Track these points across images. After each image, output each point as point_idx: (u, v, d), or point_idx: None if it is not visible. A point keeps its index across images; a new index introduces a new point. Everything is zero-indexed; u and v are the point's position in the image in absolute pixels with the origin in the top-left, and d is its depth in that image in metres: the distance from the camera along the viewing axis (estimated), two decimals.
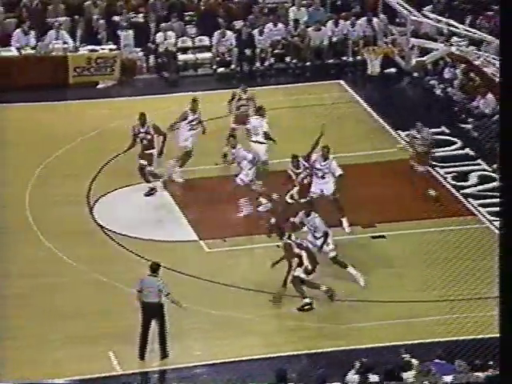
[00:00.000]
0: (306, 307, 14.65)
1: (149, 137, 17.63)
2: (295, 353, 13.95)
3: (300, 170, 16.46)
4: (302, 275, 14.57)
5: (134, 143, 17.69)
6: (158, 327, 13.57)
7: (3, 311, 14.67)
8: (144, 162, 17.62)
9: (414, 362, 12.82)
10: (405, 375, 12.67)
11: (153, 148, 17.65)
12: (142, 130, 17.67)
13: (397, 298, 14.99)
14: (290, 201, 16.39)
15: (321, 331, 14.41)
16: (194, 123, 18.21)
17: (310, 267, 14.57)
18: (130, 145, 17.67)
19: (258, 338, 14.27)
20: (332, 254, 15.25)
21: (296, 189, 16.42)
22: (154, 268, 13.68)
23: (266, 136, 17.91)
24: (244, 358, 13.81)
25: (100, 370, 13.60)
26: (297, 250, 14.62)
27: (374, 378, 12.58)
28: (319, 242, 15.14)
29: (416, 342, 13.93)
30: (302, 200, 16.18)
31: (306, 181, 16.42)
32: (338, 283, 15.19)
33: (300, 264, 14.57)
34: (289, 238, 14.73)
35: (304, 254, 14.60)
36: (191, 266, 15.76)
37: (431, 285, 15.11)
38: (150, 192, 17.66)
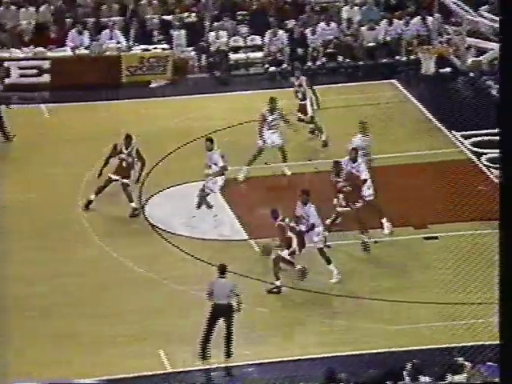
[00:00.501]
0: (275, 290, 14.95)
1: (130, 160, 17.16)
2: (346, 353, 13.94)
3: (340, 179, 16.21)
4: (287, 257, 14.85)
5: (108, 162, 17.18)
6: (226, 328, 13.67)
7: (57, 309, 14.89)
8: (117, 178, 17.10)
9: (467, 364, 12.75)
10: (456, 378, 12.60)
11: (129, 176, 17.12)
12: (124, 151, 17.21)
13: (450, 299, 14.91)
14: (339, 209, 16.24)
15: (372, 332, 14.38)
16: (273, 123, 18.14)
17: (297, 251, 14.94)
18: (105, 162, 17.18)
19: (309, 338, 14.29)
20: (319, 246, 15.37)
21: (340, 196, 16.23)
22: (223, 270, 13.81)
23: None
24: (293, 358, 13.84)
25: (150, 368, 13.73)
26: (289, 234, 14.95)
27: (425, 379, 12.53)
28: (315, 234, 15.33)
29: (469, 344, 13.84)
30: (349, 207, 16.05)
31: (346, 189, 16.18)
32: (394, 283, 15.17)
33: (288, 246, 14.92)
34: (282, 220, 15.07)
35: (294, 237, 14.94)
36: (241, 264, 15.83)
37: (487, 286, 14.98)
38: (134, 213, 17.12)
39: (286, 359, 13.86)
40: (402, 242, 16.52)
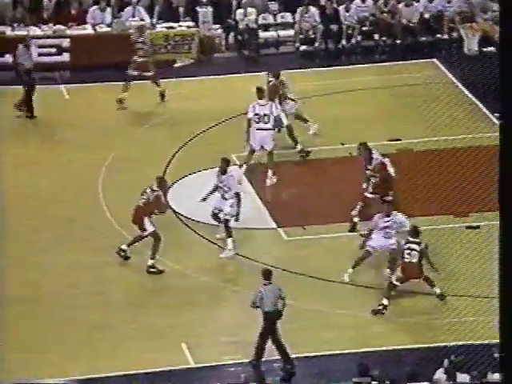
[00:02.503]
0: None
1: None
2: (380, 348, 13.89)
3: (370, 166, 16.06)
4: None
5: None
6: (272, 335, 13.58)
7: (75, 300, 14.96)
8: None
9: None
10: (498, 376, 12.48)
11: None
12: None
13: (488, 292, 14.78)
14: (369, 196, 16.15)
15: (408, 326, 14.30)
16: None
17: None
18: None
19: (343, 332, 14.24)
20: (226, 217, 15.49)
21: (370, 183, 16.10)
22: (269, 275, 13.74)
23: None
24: (327, 353, 13.80)
25: (173, 363, 13.77)
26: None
27: (463, 377, 12.44)
28: (228, 204, 15.43)
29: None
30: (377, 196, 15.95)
31: (373, 179, 16.03)
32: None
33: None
34: None
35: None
36: (269, 254, 15.80)
37: None
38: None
39: (315, 354, 13.82)
40: (440, 230, 16.39)
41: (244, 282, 14.97)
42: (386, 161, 16.34)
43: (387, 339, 14.11)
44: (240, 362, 13.76)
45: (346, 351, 13.93)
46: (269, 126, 17.52)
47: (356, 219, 16.06)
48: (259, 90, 17.79)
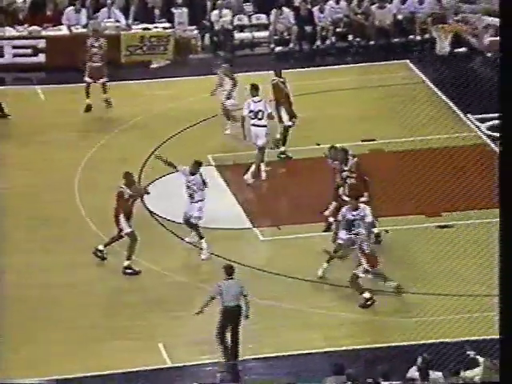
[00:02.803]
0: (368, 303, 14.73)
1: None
2: (355, 347, 13.94)
3: (346, 168, 16.02)
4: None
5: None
6: (231, 330, 13.60)
7: (49, 301, 14.89)
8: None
9: (480, 359, 12.71)
10: (470, 373, 12.57)
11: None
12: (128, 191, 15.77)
13: (461, 291, 14.87)
14: (345, 198, 16.15)
15: (381, 325, 14.37)
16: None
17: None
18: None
19: (316, 331, 14.29)
20: (195, 221, 15.63)
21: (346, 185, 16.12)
22: (230, 271, 13.74)
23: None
24: (299, 353, 13.83)
25: (150, 362, 13.76)
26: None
27: (436, 374, 12.51)
28: (196, 208, 15.57)
29: (482, 337, 13.81)
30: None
31: (349, 180, 16.00)
32: (404, 273, 15.16)
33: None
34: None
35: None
36: (245, 254, 15.82)
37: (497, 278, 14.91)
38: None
39: (291, 353, 13.85)
40: (413, 230, 16.47)
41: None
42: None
43: (361, 338, 14.16)
44: (217, 361, 13.77)
45: (320, 350, 13.97)
46: (263, 122, 17.62)
47: (331, 219, 16.11)
48: (254, 87, 17.81)
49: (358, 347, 13.96)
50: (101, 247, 15.65)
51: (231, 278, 13.68)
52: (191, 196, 15.79)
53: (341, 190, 16.12)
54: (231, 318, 13.58)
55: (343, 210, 15.19)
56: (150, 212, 16.95)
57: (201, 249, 15.74)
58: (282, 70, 18.95)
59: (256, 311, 14.31)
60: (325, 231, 16.12)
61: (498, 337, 13.44)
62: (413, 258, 15.83)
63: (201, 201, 15.74)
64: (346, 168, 16.13)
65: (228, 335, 13.61)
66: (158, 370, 13.71)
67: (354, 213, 15.10)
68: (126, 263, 15.33)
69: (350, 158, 16.17)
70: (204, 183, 15.97)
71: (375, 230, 15.97)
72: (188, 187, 15.81)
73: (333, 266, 15.19)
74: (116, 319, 14.57)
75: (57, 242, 16.21)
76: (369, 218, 15.10)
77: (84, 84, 20.06)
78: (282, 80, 18.57)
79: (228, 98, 18.88)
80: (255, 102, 17.73)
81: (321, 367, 13.37)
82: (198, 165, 15.89)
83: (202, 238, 15.64)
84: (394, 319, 14.45)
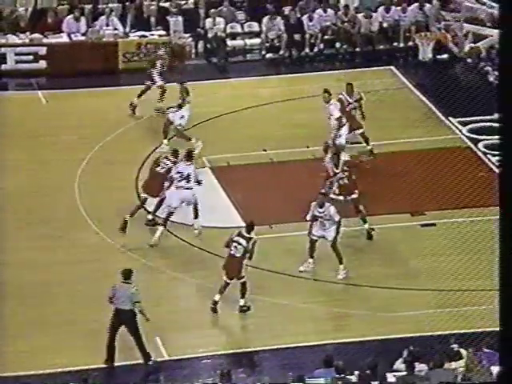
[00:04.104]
0: None
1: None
2: (344, 340, 13.92)
3: (338, 170, 16.02)
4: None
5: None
6: (131, 335, 13.41)
7: (47, 296, 14.82)
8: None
9: (463, 351, 12.72)
10: (454, 365, 12.57)
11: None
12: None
13: (445, 286, 14.88)
14: (333, 196, 16.11)
15: (369, 319, 14.36)
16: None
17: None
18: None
19: (305, 325, 14.27)
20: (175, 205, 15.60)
21: (335, 185, 16.07)
22: (127, 275, 13.54)
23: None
24: (289, 346, 13.81)
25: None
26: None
27: (421, 367, 12.51)
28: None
29: (465, 331, 13.82)
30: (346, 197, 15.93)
31: (342, 182, 15.97)
32: (390, 270, 15.15)
33: None
34: None
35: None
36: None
37: (480, 273, 14.95)
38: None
39: (282, 347, 13.82)
40: (398, 228, 16.47)
41: (214, 279, 14.88)
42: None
43: (350, 332, 14.15)
44: (213, 354, 13.74)
45: (310, 343, 13.95)
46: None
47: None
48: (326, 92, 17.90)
49: (347, 340, 13.95)
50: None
51: (127, 282, 13.45)
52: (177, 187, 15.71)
53: (327, 189, 16.02)
54: (122, 320, 13.36)
55: (312, 205, 15.14)
56: (148, 212, 16.90)
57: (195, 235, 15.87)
58: (272, 76, 18.84)
59: (253, 306, 14.31)
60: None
61: (480, 330, 13.56)
62: (398, 255, 15.83)
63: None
64: (337, 171, 16.11)
65: (117, 337, 13.38)
66: (156, 363, 13.66)
67: (320, 210, 15.06)
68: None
69: (342, 160, 16.16)
70: (198, 182, 15.94)
71: (366, 226, 15.98)
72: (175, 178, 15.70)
73: (322, 262, 15.18)
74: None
75: (55, 239, 16.12)
76: (335, 220, 15.01)
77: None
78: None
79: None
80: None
81: (311, 360, 13.33)
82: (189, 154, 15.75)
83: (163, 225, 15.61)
84: (380, 314, 14.44)
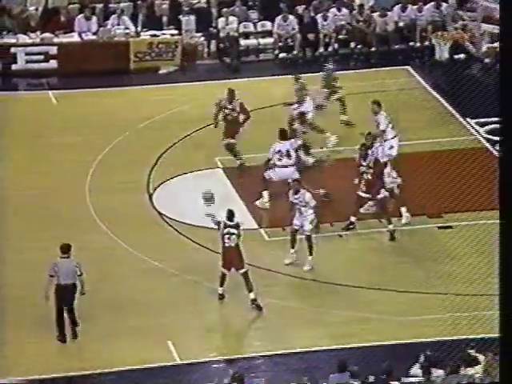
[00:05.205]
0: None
1: (235, 114, 17.50)
2: (359, 345, 13.85)
3: (364, 163, 16.09)
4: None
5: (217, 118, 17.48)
6: (68, 309, 13.71)
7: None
8: (233, 141, 17.50)
9: (481, 357, 12.63)
10: (471, 370, 12.48)
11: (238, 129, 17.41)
12: (228, 106, 17.58)
13: (462, 290, 14.79)
14: (360, 193, 16.12)
15: (385, 323, 14.28)
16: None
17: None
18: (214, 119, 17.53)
19: (319, 330, 14.20)
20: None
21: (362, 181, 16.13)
22: (66, 249, 13.78)
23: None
24: (307, 350, 13.75)
25: (159, 360, 13.67)
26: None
27: (438, 372, 12.42)
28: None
29: (483, 335, 13.72)
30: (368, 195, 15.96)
31: (366, 176, 16.01)
32: (407, 273, 15.08)
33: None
34: None
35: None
36: (251, 254, 15.72)
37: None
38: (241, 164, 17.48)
39: (295, 351, 13.77)
40: (415, 231, 16.40)
41: (228, 282, 14.84)
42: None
43: (365, 336, 14.07)
44: (225, 358, 13.70)
45: (325, 348, 13.89)
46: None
47: (353, 218, 16.07)
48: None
49: (362, 345, 13.87)
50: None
51: (67, 257, 13.70)
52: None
53: (356, 181, 16.05)
54: (65, 295, 13.65)
55: (289, 193, 15.11)
56: (160, 213, 16.87)
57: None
58: (285, 76, 18.77)
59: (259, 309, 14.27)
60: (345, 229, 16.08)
61: (498, 335, 13.44)
62: (414, 258, 15.75)
63: None
64: (364, 163, 16.10)
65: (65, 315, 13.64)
66: (168, 367, 13.63)
67: (296, 196, 15.07)
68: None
69: (370, 153, 16.12)
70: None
71: (390, 227, 15.97)
72: None
73: (332, 264, 15.13)
74: (126, 317, 14.47)
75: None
76: (312, 202, 15.06)
77: None
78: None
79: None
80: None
81: (326, 365, 13.27)
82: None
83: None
84: (396, 318, 14.36)
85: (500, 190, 7.33)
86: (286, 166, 16.64)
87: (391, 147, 17.08)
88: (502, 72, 7.50)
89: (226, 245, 14.29)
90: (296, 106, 18.26)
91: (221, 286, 14.41)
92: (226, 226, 14.35)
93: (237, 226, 14.36)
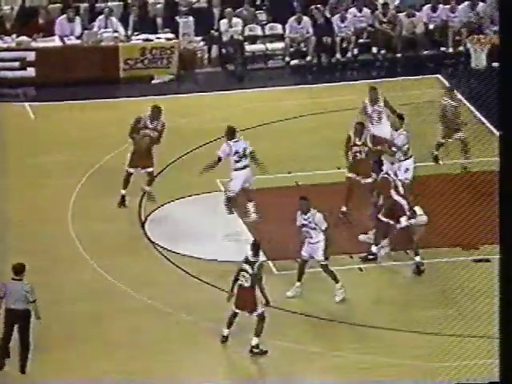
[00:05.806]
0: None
1: (154, 134, 17.64)
2: None
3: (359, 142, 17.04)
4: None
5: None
6: (20, 338, 13.90)
7: (46, 341, 15.03)
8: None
9: None
10: None
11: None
12: (149, 126, 17.71)
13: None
14: (381, 218, 16.45)
15: (400, 369, 14.47)
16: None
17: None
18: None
19: (330, 375, 14.39)
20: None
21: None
22: (19, 270, 13.96)
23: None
24: None
25: None
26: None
27: None
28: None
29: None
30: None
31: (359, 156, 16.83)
32: (435, 312, 15.27)
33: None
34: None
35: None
36: None
37: None
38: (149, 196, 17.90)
39: None
40: (448, 264, 16.59)
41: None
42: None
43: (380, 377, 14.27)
44: None
45: None
46: None
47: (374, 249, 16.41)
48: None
49: None
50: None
51: (19, 279, 13.89)
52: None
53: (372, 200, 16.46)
54: (15, 321, 13.83)
55: (297, 214, 15.49)
56: (152, 242, 17.12)
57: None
58: (297, 86, 19.08)
59: (272, 353, 14.46)
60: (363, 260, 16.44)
61: None
62: (448, 294, 15.92)
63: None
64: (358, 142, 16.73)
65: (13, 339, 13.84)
66: None
67: (305, 216, 15.33)
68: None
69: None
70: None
71: (417, 259, 16.19)
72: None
73: (350, 301, 15.34)
74: (113, 363, 14.69)
75: (44, 276, 16.37)
76: (323, 225, 15.36)
77: None
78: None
79: None
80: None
81: None
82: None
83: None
84: (425, 364, 14.53)
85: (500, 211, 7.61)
86: (244, 168, 17.16)
87: (407, 170, 17.35)
88: (501, 77, 7.76)
89: (239, 282, 14.52)
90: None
91: (228, 327, 14.60)
92: (246, 261, 14.59)
93: (253, 264, 14.47)
